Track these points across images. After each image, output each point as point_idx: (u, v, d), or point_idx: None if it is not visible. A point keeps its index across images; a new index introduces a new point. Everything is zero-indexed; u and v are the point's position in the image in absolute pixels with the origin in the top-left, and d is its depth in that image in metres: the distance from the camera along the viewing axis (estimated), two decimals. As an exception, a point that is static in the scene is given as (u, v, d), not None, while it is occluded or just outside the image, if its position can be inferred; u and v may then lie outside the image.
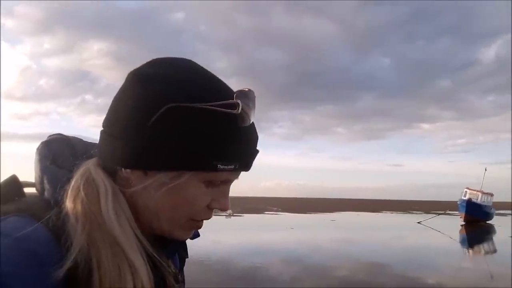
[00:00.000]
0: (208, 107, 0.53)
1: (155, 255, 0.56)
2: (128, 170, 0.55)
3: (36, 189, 0.57)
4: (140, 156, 0.54)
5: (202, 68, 0.60)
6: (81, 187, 0.53)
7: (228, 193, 0.61)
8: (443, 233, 21.84)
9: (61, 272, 0.46)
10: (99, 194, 0.53)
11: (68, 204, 0.52)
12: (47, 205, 0.53)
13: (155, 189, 0.55)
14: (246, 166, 0.59)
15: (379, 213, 47.59)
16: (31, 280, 0.44)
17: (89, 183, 0.54)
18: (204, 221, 0.62)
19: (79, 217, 0.50)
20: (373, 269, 10.84)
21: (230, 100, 0.54)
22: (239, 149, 0.56)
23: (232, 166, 0.56)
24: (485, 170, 31.58)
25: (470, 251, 16.42)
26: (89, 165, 0.56)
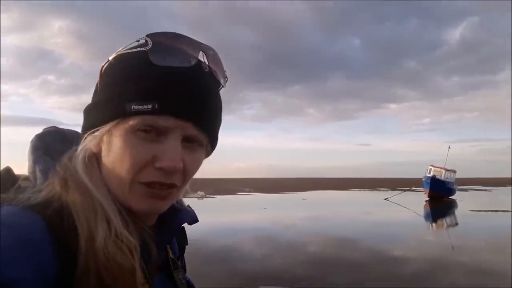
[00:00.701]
0: (121, 52, 0.54)
1: (130, 217, 0.55)
2: (85, 137, 0.58)
3: (29, 180, 0.59)
4: (85, 121, 0.59)
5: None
6: (65, 159, 0.57)
7: (173, 148, 0.54)
8: (408, 209, 22.71)
9: (54, 253, 0.47)
10: (76, 158, 0.56)
11: (56, 181, 0.54)
12: (40, 194, 0.53)
13: (94, 148, 0.57)
14: (176, 109, 0.53)
15: (348, 191, 48.88)
16: (26, 267, 0.44)
17: (73, 155, 0.57)
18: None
19: (58, 176, 0.54)
20: (342, 243, 11.17)
21: (140, 39, 0.54)
22: (155, 86, 0.52)
23: (149, 106, 0.51)
24: (449, 148, 32.95)
25: (434, 225, 17.18)
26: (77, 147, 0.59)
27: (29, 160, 0.60)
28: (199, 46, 0.56)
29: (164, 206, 0.58)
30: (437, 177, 29.41)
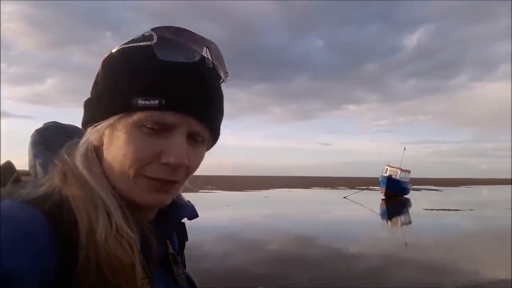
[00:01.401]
0: (125, 46, 0.54)
1: (130, 211, 0.54)
2: (86, 130, 0.57)
3: (30, 174, 0.59)
4: (85, 114, 0.58)
5: None
6: (63, 153, 0.56)
7: (179, 145, 0.54)
8: (365, 207, 23.47)
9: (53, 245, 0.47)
10: (75, 153, 0.56)
11: (56, 176, 0.54)
12: (40, 188, 0.53)
13: (96, 142, 0.56)
14: (183, 104, 0.53)
15: (310, 189, 49.73)
16: (26, 260, 0.44)
17: (69, 148, 0.57)
18: None
19: (57, 170, 0.54)
20: (302, 241, 11.35)
21: (145, 33, 0.53)
22: (162, 82, 0.52)
23: (156, 101, 0.51)
24: (404, 149, 34.30)
25: (389, 222, 17.83)
26: (77, 141, 0.59)
27: (29, 154, 0.60)
28: (202, 41, 0.56)
29: (168, 199, 0.58)
30: (393, 176, 30.50)
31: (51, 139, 0.61)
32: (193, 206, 0.71)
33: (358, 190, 36.17)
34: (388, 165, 32.55)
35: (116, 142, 0.54)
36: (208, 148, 0.63)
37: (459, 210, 21.34)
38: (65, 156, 0.56)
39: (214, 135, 0.61)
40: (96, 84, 0.58)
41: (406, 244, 11.15)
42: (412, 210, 22.79)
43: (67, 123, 0.66)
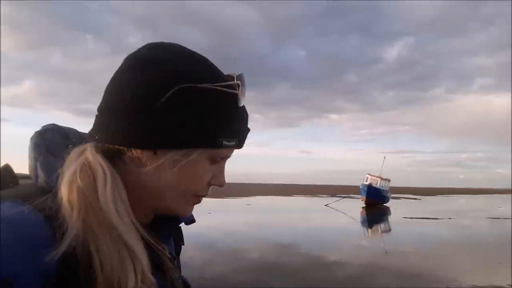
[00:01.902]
0: (215, 87, 0.56)
1: (152, 240, 0.56)
2: (138, 151, 0.55)
3: (30, 177, 0.57)
4: (151, 136, 0.54)
5: (195, 51, 0.62)
6: (78, 173, 0.52)
7: (224, 170, 0.64)
8: (346, 214, 23.64)
9: (55, 256, 0.46)
10: (96, 180, 0.52)
11: (63, 190, 0.51)
12: (41, 191, 0.53)
13: (168, 167, 0.56)
14: (242, 143, 0.63)
15: (291, 197, 49.91)
16: (26, 263, 0.44)
17: (85, 168, 0.53)
18: None
19: (74, 204, 0.50)
20: (282, 249, 11.30)
21: (233, 82, 0.58)
22: (239, 126, 0.61)
23: (233, 143, 0.60)
24: (384, 158, 34.88)
25: (369, 230, 18.04)
26: (87, 149, 0.56)
27: (30, 157, 0.58)
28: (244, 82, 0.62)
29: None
30: (373, 185, 30.98)
31: (52, 142, 0.60)
32: None
33: (339, 198, 36.52)
34: (369, 174, 32.98)
35: (185, 170, 0.57)
36: None
37: (438, 218, 21.76)
38: (80, 179, 0.51)
39: None
40: (164, 107, 0.54)
41: (386, 252, 11.25)
42: (391, 218, 23.10)
43: (66, 126, 0.65)
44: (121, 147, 0.56)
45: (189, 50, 0.61)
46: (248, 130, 0.65)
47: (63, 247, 0.47)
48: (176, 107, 0.54)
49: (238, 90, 0.58)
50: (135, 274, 0.50)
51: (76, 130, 0.65)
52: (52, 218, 0.48)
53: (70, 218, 0.49)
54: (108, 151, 0.56)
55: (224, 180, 0.64)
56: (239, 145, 0.62)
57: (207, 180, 0.61)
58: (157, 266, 0.60)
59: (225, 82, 0.57)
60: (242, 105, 0.60)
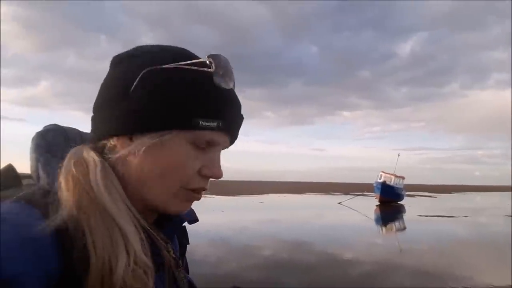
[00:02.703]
0: (182, 66, 0.56)
1: (147, 226, 0.56)
2: (114, 138, 0.57)
3: (32, 178, 0.58)
4: (124, 122, 0.55)
5: (175, 46, 0.62)
6: (72, 165, 0.53)
7: (219, 160, 0.61)
8: (360, 212, 23.45)
9: (49, 227, 0.46)
10: (88, 168, 0.54)
11: (61, 180, 0.52)
12: (43, 191, 0.53)
13: (139, 151, 0.55)
14: (230, 128, 0.60)
15: (304, 195, 49.76)
16: (27, 264, 0.44)
17: (79, 161, 0.54)
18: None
19: (70, 191, 0.51)
20: (296, 247, 11.29)
21: (202, 59, 0.57)
22: (220, 107, 0.58)
23: (215, 124, 0.57)
24: (398, 155, 34.51)
25: (383, 228, 17.88)
26: (80, 147, 0.57)
27: (31, 158, 0.59)
28: (228, 63, 0.61)
29: (190, 206, 0.64)
30: (387, 183, 30.62)
31: (52, 142, 0.60)
32: (193, 210, 0.72)
33: (352, 196, 36.22)
34: (383, 171, 32.67)
35: (162, 155, 0.56)
36: None
37: (453, 216, 21.42)
38: (75, 170, 0.53)
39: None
40: (134, 94, 0.56)
41: (400, 250, 11.15)
42: (406, 216, 22.84)
43: (67, 126, 0.65)
44: (103, 140, 0.58)
45: (167, 44, 0.62)
46: (241, 117, 0.63)
47: (56, 221, 0.47)
48: (144, 92, 0.56)
49: (211, 67, 0.57)
50: (128, 254, 0.50)
51: (77, 130, 0.65)
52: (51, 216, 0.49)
53: (65, 202, 0.50)
54: (96, 146, 0.58)
55: (219, 171, 0.61)
56: (226, 128, 0.59)
57: (193, 169, 0.58)
58: (161, 265, 0.59)
59: (195, 60, 0.58)
60: (222, 86, 0.58)
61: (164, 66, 0.56)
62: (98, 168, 0.54)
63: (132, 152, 0.56)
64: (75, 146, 0.58)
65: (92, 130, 0.61)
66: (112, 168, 0.56)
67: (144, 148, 0.55)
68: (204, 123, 0.56)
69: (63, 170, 0.54)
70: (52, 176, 0.55)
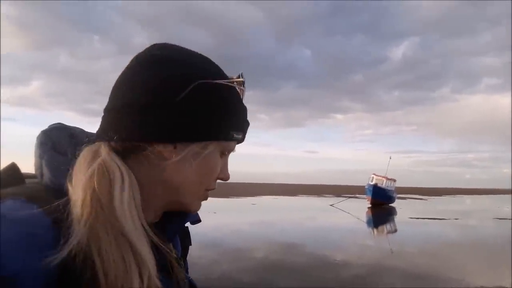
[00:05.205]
0: (227, 83, 0.60)
1: (160, 243, 0.56)
2: (160, 145, 0.56)
3: (36, 176, 0.57)
4: (172, 129, 0.56)
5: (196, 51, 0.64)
6: (95, 175, 0.51)
7: (228, 164, 0.67)
8: (352, 215, 23.56)
9: (54, 261, 0.45)
10: (113, 183, 0.51)
11: (78, 192, 0.50)
12: (46, 189, 0.53)
13: (190, 160, 0.58)
14: (245, 136, 0.67)
15: (296, 197, 49.85)
16: (27, 262, 0.44)
17: (102, 170, 0.52)
18: None
19: (86, 208, 0.49)
20: (288, 249, 11.29)
21: (240, 79, 0.62)
22: (244, 120, 0.65)
23: (240, 136, 0.64)
24: (390, 158, 34.69)
25: (375, 230, 17.95)
26: (101, 148, 0.55)
27: (35, 155, 0.58)
28: None
29: None
30: (379, 185, 30.82)
31: (57, 141, 0.60)
32: None
33: (344, 198, 36.43)
34: (374, 174, 32.84)
35: (203, 163, 0.60)
36: None
37: (444, 219, 21.61)
38: (97, 183, 0.50)
39: None
40: (182, 103, 0.56)
41: (392, 252, 11.20)
42: (397, 218, 22.97)
43: (72, 126, 0.65)
44: (140, 143, 0.56)
45: (194, 50, 0.64)
46: (248, 124, 0.68)
47: (63, 254, 0.46)
48: (194, 102, 0.57)
49: (243, 86, 0.63)
50: (141, 280, 0.49)
51: (82, 129, 0.65)
52: (60, 222, 0.48)
53: (78, 224, 0.48)
54: (123, 148, 0.56)
55: (229, 174, 0.67)
56: (244, 139, 0.66)
57: (218, 174, 0.64)
58: (163, 266, 0.59)
59: (231, 78, 0.62)
60: (243, 100, 0.65)
61: (215, 81, 0.59)
62: (126, 182, 0.53)
63: (183, 161, 0.58)
64: (86, 144, 0.57)
65: (113, 128, 0.56)
66: (136, 173, 0.55)
67: (198, 158, 0.59)
68: (235, 136, 0.62)
69: (80, 177, 0.51)
70: (54, 172, 0.55)
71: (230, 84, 0.61)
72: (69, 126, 0.64)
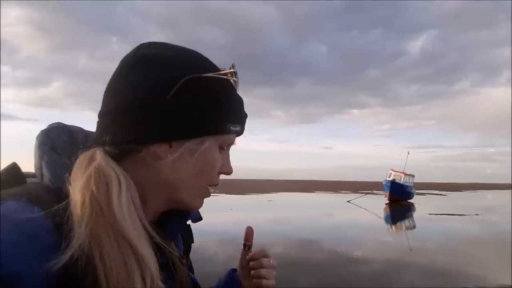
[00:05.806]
0: (217, 75, 0.59)
1: (162, 242, 0.56)
2: (155, 145, 0.56)
3: (36, 176, 0.57)
4: (167, 128, 0.56)
5: (186, 47, 0.64)
6: (92, 179, 0.51)
7: (230, 158, 0.66)
8: (369, 211, 23.32)
9: (57, 265, 0.45)
10: (110, 186, 0.51)
11: (76, 197, 0.50)
12: (47, 190, 0.53)
13: (187, 157, 0.58)
14: (243, 128, 0.66)
15: (313, 193, 49.63)
16: (28, 263, 0.44)
17: (98, 175, 0.52)
18: None
19: (86, 211, 0.49)
20: (306, 245, 11.29)
21: (231, 70, 0.62)
22: (241, 112, 0.65)
23: (238, 128, 0.63)
24: (408, 153, 34.16)
25: (393, 227, 17.74)
26: (96, 153, 0.55)
27: (35, 156, 0.58)
28: None
29: None
30: (397, 181, 30.39)
31: (57, 140, 0.60)
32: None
33: (361, 194, 36.01)
34: (392, 170, 32.40)
35: (200, 159, 0.59)
36: None
37: (464, 215, 21.19)
38: (95, 187, 0.50)
39: None
40: (173, 100, 0.56)
41: (411, 249, 11.07)
42: (416, 214, 22.65)
43: (72, 124, 0.65)
44: (134, 145, 0.56)
45: (181, 46, 0.63)
46: (246, 115, 0.67)
47: (65, 258, 0.45)
48: (185, 98, 0.56)
49: (236, 77, 0.62)
50: (144, 282, 0.49)
51: (82, 128, 0.65)
52: (61, 225, 0.48)
53: (78, 227, 0.48)
54: (119, 152, 0.56)
55: (231, 168, 0.66)
56: (242, 131, 0.66)
57: (218, 169, 0.63)
58: (165, 265, 0.59)
59: (222, 71, 0.61)
60: (238, 92, 0.64)
61: (204, 75, 0.58)
62: (123, 184, 0.53)
63: (179, 158, 0.57)
64: (82, 147, 0.57)
65: (107, 132, 0.56)
66: (133, 176, 0.55)
67: (195, 155, 0.58)
68: (232, 128, 0.61)
69: (78, 181, 0.51)
70: (54, 174, 0.55)
71: (221, 76, 0.60)
72: (68, 125, 0.64)
